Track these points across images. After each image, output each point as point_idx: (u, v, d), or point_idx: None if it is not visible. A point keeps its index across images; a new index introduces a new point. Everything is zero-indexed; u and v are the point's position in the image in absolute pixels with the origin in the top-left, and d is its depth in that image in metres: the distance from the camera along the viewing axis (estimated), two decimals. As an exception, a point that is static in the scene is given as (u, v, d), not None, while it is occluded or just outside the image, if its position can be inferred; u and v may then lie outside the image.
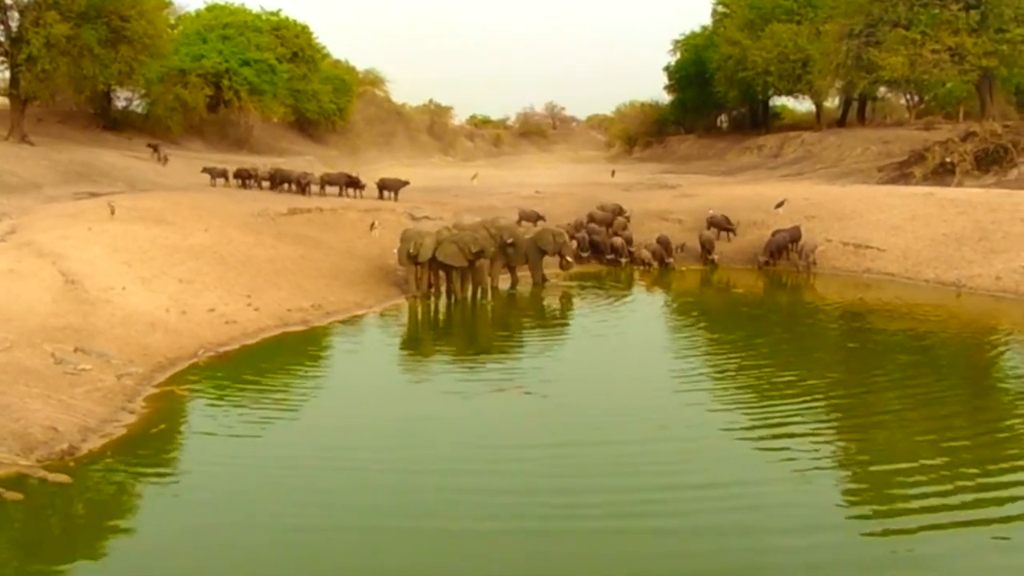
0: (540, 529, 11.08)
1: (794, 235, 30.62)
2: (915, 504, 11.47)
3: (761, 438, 13.98)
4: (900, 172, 42.95)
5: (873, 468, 12.82)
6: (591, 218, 33.30)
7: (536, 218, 32.58)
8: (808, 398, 16.03)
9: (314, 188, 38.46)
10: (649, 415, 15.12)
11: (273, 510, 11.61)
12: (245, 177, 40.16)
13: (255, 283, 23.16)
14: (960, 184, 38.31)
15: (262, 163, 44.23)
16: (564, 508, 11.59)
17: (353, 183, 38.73)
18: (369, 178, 39.55)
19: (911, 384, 17.07)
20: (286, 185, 38.90)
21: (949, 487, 11.90)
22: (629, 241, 31.69)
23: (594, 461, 13.21)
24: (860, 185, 40.68)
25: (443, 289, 25.77)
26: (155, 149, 46.62)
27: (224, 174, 40.34)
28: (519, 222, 31.42)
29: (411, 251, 24.93)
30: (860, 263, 29.82)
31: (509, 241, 26.79)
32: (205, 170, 40.77)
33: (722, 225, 32.23)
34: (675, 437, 14.07)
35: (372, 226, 30.42)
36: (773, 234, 30.96)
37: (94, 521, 11.53)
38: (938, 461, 12.80)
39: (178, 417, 15.31)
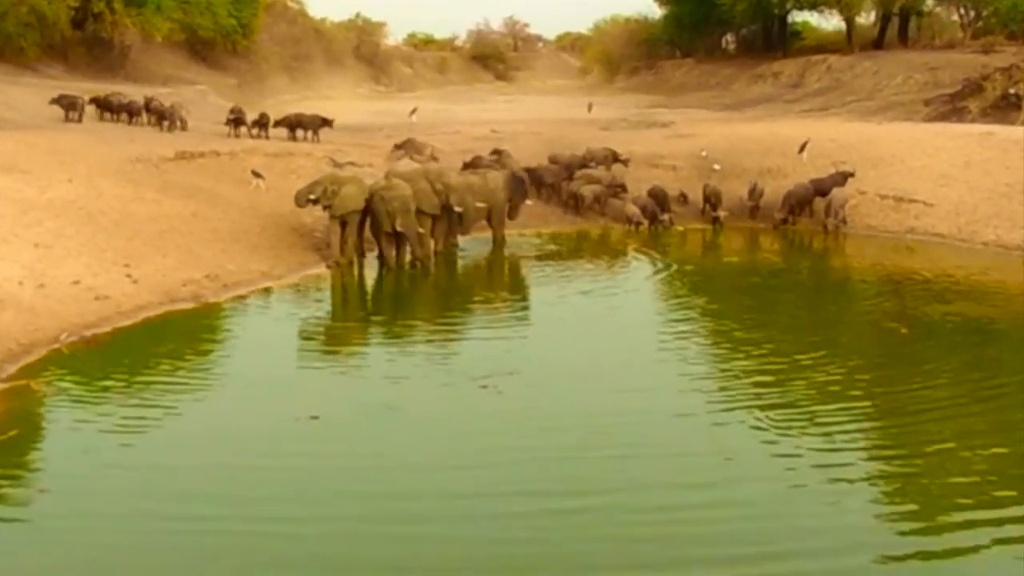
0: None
1: (820, 187, 30.48)
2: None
3: (812, 484, 12.82)
4: (952, 106, 43.32)
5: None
6: (553, 160, 33.41)
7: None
8: (858, 418, 15.14)
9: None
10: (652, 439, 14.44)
11: (147, 540, 11.45)
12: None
13: (133, 248, 22.95)
14: (1026, 122, 38.64)
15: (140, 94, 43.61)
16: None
17: (259, 123, 38.12)
18: (278, 113, 39.15)
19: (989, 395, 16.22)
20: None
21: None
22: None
23: (590, 520, 12.05)
24: (901, 123, 41.03)
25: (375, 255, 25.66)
26: None
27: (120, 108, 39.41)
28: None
29: (314, 196, 24.80)
30: (902, 221, 30.06)
31: (457, 209, 26.72)
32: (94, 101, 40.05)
33: (759, 195, 31.61)
34: (698, 483, 12.95)
35: (256, 174, 29.93)
36: (811, 183, 30.79)
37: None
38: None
39: (33, 419, 15.14)
